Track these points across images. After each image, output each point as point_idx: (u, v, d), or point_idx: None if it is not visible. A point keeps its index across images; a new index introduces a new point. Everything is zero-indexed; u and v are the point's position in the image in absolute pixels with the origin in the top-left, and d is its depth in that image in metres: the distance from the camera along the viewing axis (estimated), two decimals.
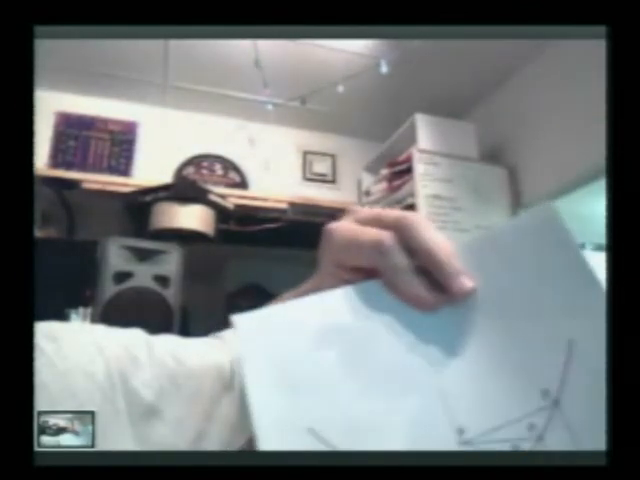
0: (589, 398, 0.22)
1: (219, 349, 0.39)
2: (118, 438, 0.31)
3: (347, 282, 0.26)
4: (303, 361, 0.23)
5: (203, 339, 0.42)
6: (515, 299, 0.24)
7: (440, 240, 0.24)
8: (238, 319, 0.24)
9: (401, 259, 0.24)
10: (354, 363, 0.24)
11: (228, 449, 0.34)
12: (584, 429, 0.22)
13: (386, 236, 0.25)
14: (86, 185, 2.07)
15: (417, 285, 0.24)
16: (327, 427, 0.22)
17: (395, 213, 0.26)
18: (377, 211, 0.27)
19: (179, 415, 0.34)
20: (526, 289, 0.24)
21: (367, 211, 0.28)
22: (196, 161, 2.58)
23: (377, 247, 0.25)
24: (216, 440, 0.34)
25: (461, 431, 0.23)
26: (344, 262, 0.27)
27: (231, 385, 0.36)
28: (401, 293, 0.24)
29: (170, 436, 0.33)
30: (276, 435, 0.22)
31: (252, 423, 0.22)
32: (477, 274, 0.24)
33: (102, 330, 0.37)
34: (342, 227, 0.27)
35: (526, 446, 0.22)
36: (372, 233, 0.26)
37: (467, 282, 0.24)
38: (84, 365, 0.32)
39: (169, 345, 0.37)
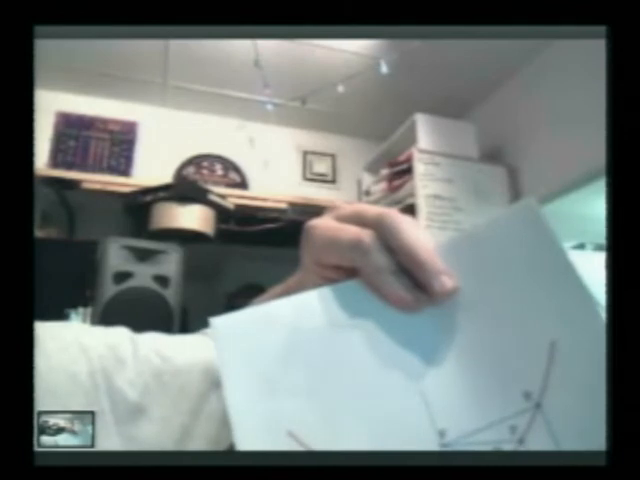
0: (571, 400, 0.22)
1: (206, 346, 0.39)
2: (103, 438, 0.31)
3: (328, 280, 0.25)
4: (280, 365, 0.23)
5: (190, 336, 0.42)
6: (497, 299, 0.23)
7: (421, 239, 0.24)
8: (216, 322, 0.23)
9: (381, 259, 0.24)
10: (331, 366, 0.23)
11: (216, 446, 0.34)
12: (566, 431, 0.21)
13: (366, 235, 0.24)
14: (86, 185, 2.07)
15: (397, 285, 0.23)
16: (307, 431, 0.22)
17: (376, 210, 0.25)
18: (358, 208, 0.27)
19: (165, 413, 0.33)
20: (508, 289, 0.23)
21: (348, 208, 0.27)
22: (196, 161, 2.58)
23: (357, 246, 0.24)
24: (203, 437, 0.34)
25: (442, 433, 0.22)
26: (324, 261, 0.26)
27: (219, 381, 0.36)
28: (381, 293, 0.24)
29: (156, 434, 0.33)
30: (256, 439, 0.22)
31: (231, 427, 0.22)
32: (458, 273, 0.23)
33: (86, 329, 0.36)
34: (322, 225, 0.26)
35: (508, 448, 0.22)
36: (352, 232, 0.25)
37: (448, 282, 0.23)
38: (66, 365, 0.31)
39: (154, 343, 0.37)
